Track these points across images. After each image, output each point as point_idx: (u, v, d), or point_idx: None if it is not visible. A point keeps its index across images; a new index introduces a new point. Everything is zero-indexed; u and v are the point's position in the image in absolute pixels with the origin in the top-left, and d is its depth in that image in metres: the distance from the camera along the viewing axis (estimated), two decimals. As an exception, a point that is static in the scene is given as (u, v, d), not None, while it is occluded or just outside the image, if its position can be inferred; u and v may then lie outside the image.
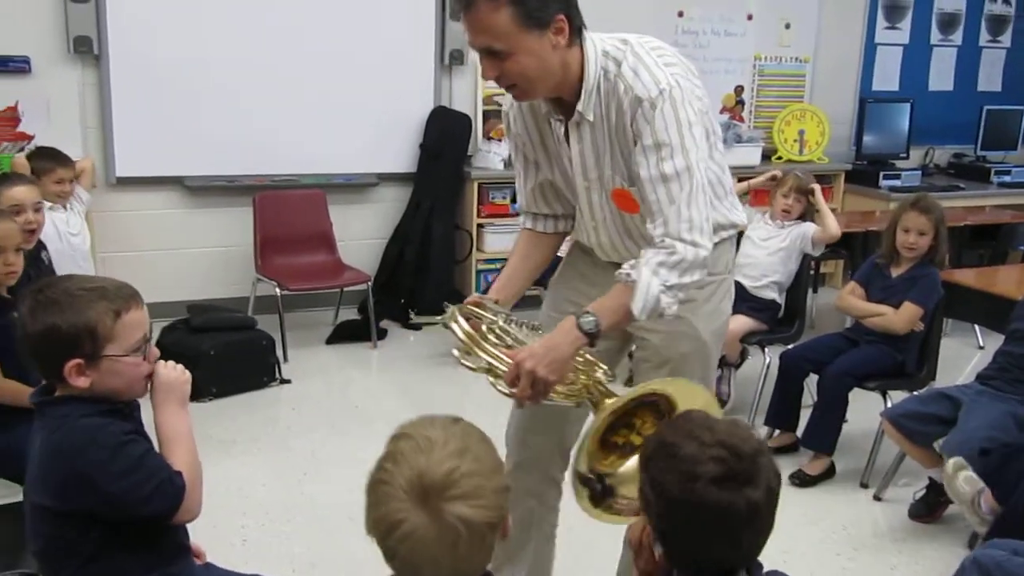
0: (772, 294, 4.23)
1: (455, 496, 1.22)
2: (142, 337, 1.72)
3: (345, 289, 5.29)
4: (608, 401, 1.88)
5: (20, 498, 2.55)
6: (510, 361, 1.91)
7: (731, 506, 1.33)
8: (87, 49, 4.80)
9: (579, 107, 2.00)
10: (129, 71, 4.92)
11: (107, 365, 1.66)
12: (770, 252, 4.25)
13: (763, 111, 6.57)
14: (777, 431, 3.90)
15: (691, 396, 1.84)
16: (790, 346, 4.08)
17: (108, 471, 1.62)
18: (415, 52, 5.46)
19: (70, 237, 3.98)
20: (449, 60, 5.54)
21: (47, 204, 3.91)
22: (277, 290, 4.85)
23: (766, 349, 4.22)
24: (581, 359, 2.00)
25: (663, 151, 1.90)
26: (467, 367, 1.99)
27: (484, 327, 2.06)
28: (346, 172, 5.44)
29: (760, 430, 3.98)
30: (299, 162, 5.34)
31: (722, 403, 4.26)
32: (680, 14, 6.20)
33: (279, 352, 4.58)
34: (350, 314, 5.32)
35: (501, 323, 2.07)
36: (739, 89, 6.50)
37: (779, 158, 6.39)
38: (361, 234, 5.53)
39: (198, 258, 5.32)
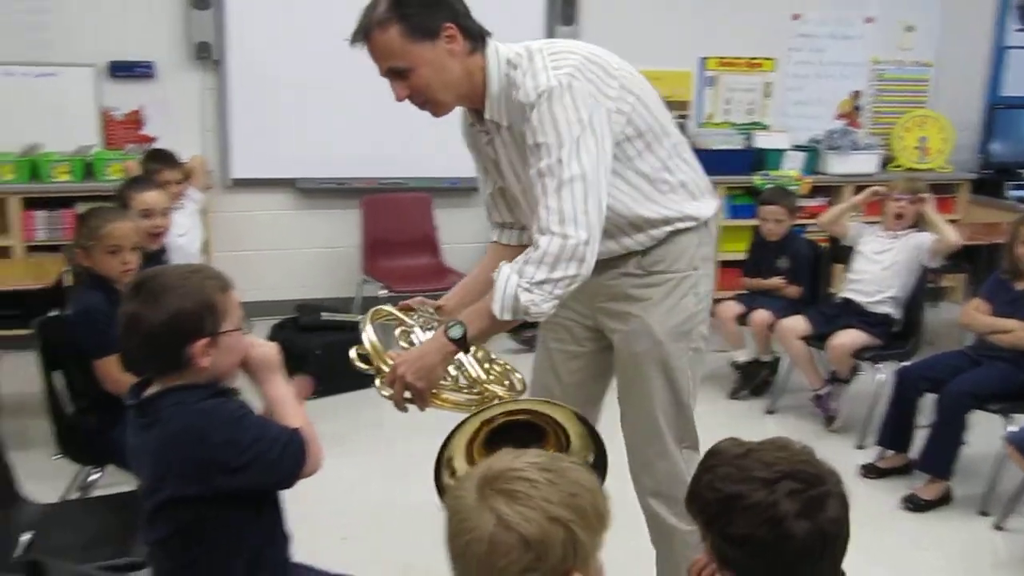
0: (887, 309, 4.06)
1: (501, 490, 1.22)
2: (242, 313, 1.78)
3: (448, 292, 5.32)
4: (481, 410, 1.87)
5: (129, 487, 2.66)
6: None
7: (823, 531, 1.31)
8: (207, 55, 4.97)
9: (486, 115, 2.05)
10: (246, 76, 5.08)
11: (224, 341, 1.72)
12: (884, 266, 4.08)
13: (881, 117, 6.33)
14: (890, 451, 3.74)
15: (572, 424, 1.82)
16: (906, 363, 3.90)
17: (235, 446, 1.67)
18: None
19: (176, 237, 4.08)
20: (557, 65, 5.52)
21: None
22: (382, 291, 4.92)
23: (879, 365, 4.04)
24: (499, 368, 2.09)
25: (541, 150, 1.91)
26: (359, 368, 2.05)
27: (398, 331, 2.14)
28: (452, 176, 5.47)
29: (871, 450, 3.83)
30: (406, 165, 5.40)
31: (830, 420, 4.12)
32: (795, 17, 6.04)
33: (384, 353, 4.62)
34: (453, 317, 5.34)
35: (417, 330, 2.13)
36: (856, 94, 6.29)
37: (898, 166, 6.15)
38: (465, 237, 5.56)
39: (307, 258, 5.45)
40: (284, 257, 5.38)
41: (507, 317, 1.91)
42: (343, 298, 5.24)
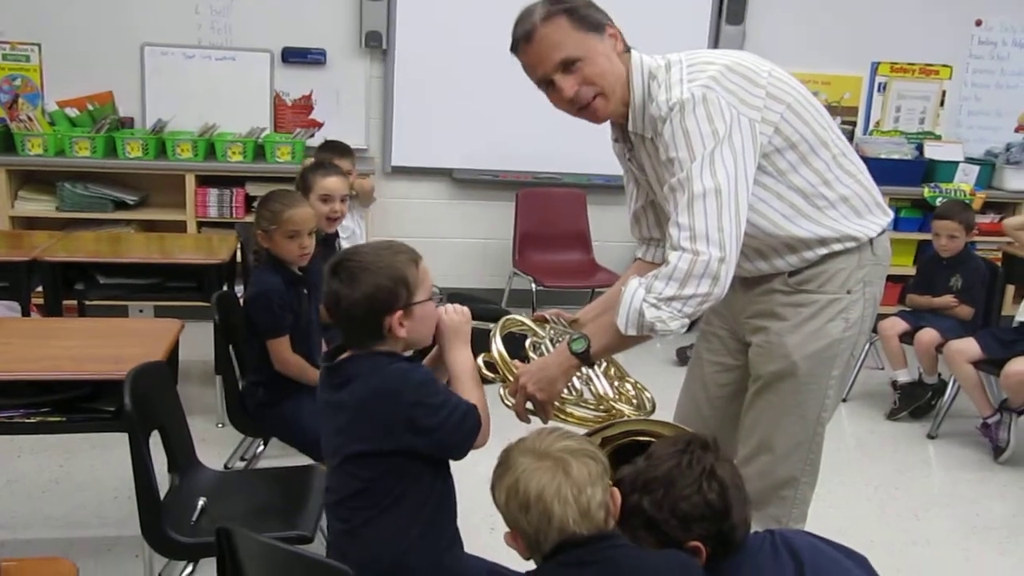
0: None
1: (557, 437, 1.59)
2: (431, 283, 1.85)
3: (596, 290, 5.29)
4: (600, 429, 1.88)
5: (293, 462, 2.75)
6: None
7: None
8: (377, 44, 5.09)
9: (630, 127, 2.00)
10: (411, 66, 5.18)
11: (418, 311, 1.79)
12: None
13: (1067, 132, 5.95)
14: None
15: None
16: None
17: (426, 406, 1.75)
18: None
19: (343, 240, 4.13)
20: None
21: None
22: (532, 285, 4.94)
23: (1059, 397, 3.79)
24: (631, 386, 2.08)
25: (674, 165, 1.85)
26: (486, 376, 2.03)
27: (529, 342, 2.12)
28: (606, 173, 5.43)
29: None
30: (562, 161, 5.40)
31: (1000, 451, 3.89)
32: (978, 23, 5.73)
33: (530, 346, 4.64)
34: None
35: (548, 342, 2.10)
36: (1041, 106, 5.93)
37: (1083, 185, 5.75)
38: (616, 236, 5.51)
39: (460, 248, 5.52)
40: (437, 245, 5.46)
41: (632, 333, 1.85)
42: (493, 289, 5.30)
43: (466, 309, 1.95)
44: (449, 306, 1.93)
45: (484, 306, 4.72)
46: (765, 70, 1.92)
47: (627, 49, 1.97)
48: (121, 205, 4.91)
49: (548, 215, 5.30)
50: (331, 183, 3.32)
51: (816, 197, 1.97)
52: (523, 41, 1.92)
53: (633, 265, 2.33)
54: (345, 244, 4.14)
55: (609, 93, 1.93)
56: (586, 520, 1.53)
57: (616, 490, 1.61)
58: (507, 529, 1.63)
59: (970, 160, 5.63)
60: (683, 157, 1.83)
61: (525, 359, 2.08)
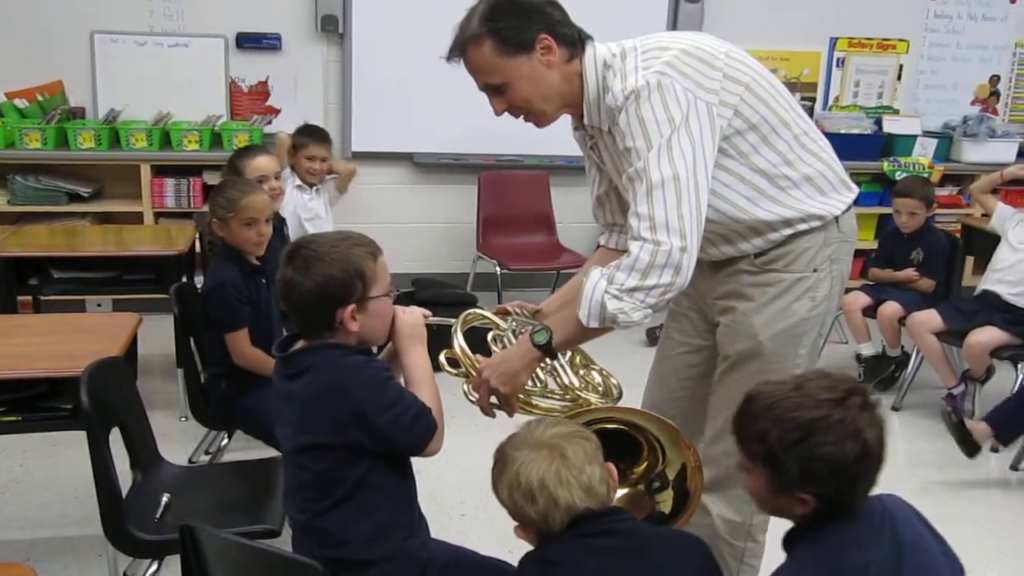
0: (1031, 304, 3.85)
1: (547, 426, 1.64)
2: (390, 279, 1.82)
3: (562, 271, 5.29)
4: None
5: (259, 454, 2.72)
6: None
7: (882, 438, 1.48)
8: (333, 28, 5.01)
9: (586, 120, 1.98)
10: (369, 50, 5.10)
11: (372, 306, 1.77)
12: (1029, 257, 3.87)
13: (1022, 104, 6.01)
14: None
15: (664, 433, 1.85)
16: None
17: (377, 404, 1.71)
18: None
19: (305, 222, 4.09)
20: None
21: (296, 182, 4.10)
22: (497, 269, 4.91)
23: (1019, 365, 3.83)
24: (597, 373, 2.08)
25: (631, 154, 1.84)
26: (448, 371, 2.03)
27: (491, 336, 2.09)
28: (568, 154, 5.40)
29: (1006, 453, 3.65)
30: (524, 143, 5.31)
31: (964, 421, 3.93)
32: (934, -4, 5.78)
33: (497, 330, 4.62)
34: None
35: (510, 334, 2.08)
36: (994, 79, 5.98)
37: (1037, 155, 5.83)
38: (580, 217, 5.48)
39: (423, 233, 5.47)
40: (400, 231, 5.41)
41: (594, 325, 1.84)
42: (458, 274, 5.26)
43: (422, 310, 1.91)
44: (407, 308, 1.89)
45: (450, 290, 4.70)
46: (722, 52, 1.90)
47: (578, 42, 1.93)
48: (75, 197, 4.80)
49: (511, 198, 5.27)
50: (262, 162, 3.25)
51: (779, 178, 1.95)
52: (457, 53, 1.93)
53: (596, 252, 2.31)
54: (310, 227, 4.10)
55: (538, 112, 1.96)
56: (590, 496, 1.58)
57: (611, 465, 1.66)
58: (490, 517, 1.66)
59: (928, 133, 5.68)
60: (640, 146, 1.81)
61: (489, 353, 2.06)
